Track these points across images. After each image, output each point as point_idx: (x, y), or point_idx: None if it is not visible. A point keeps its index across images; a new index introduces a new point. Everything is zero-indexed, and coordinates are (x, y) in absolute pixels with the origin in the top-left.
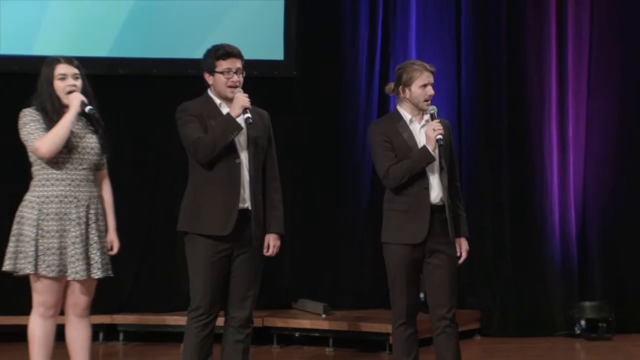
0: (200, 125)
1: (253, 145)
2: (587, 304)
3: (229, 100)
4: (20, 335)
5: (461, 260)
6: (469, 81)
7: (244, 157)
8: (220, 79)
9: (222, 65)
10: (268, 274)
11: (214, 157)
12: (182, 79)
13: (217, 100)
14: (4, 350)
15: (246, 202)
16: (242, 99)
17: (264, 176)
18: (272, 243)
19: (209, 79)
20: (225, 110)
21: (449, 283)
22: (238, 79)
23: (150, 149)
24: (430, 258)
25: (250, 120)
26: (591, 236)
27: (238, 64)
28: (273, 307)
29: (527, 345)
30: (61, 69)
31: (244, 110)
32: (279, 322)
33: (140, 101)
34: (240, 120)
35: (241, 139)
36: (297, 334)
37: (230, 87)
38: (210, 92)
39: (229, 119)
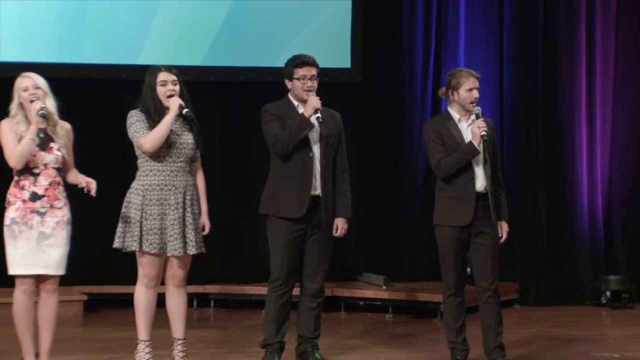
0: (280, 123)
1: (324, 141)
2: (612, 277)
3: (305, 102)
4: (127, 302)
5: (502, 240)
6: (510, 85)
7: (316, 150)
8: (297, 84)
9: (299, 72)
10: (337, 251)
11: (290, 150)
12: (264, 85)
13: (295, 103)
14: (115, 314)
15: (317, 190)
16: (314, 101)
17: (334, 168)
18: (340, 226)
19: (288, 84)
20: (302, 111)
21: (491, 260)
22: (312, 84)
23: (236, 144)
24: (476, 238)
25: (321, 119)
26: (615, 219)
27: (313, 71)
28: (341, 279)
29: (559, 312)
30: (162, 76)
31: (316, 111)
32: (346, 292)
33: (228, 103)
34: (313, 119)
35: (313, 136)
36: (361, 303)
37: (306, 91)
38: (290, 96)
39: (303, 118)
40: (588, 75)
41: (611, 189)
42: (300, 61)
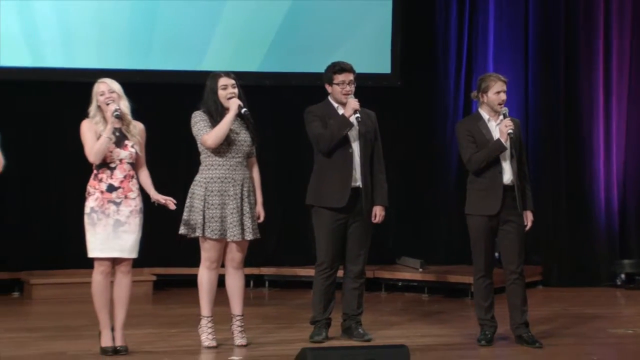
0: (322, 123)
1: (362, 138)
2: (626, 261)
3: (343, 104)
4: (192, 282)
5: (527, 228)
6: (534, 88)
7: (355, 147)
8: (337, 89)
9: (338, 78)
10: (378, 237)
11: (332, 147)
12: (313, 88)
13: (335, 105)
14: (181, 293)
15: (357, 182)
16: (353, 103)
17: (372, 161)
18: (378, 213)
19: (328, 88)
20: (341, 111)
21: (517, 245)
22: (350, 88)
23: (288, 141)
24: (503, 226)
25: (359, 119)
26: (629, 209)
27: (350, 77)
28: (381, 262)
29: (578, 293)
30: (223, 81)
31: (355, 112)
32: (386, 274)
33: (281, 105)
34: (352, 119)
35: (353, 134)
36: (399, 284)
37: (345, 94)
38: (330, 98)
39: (343, 118)
40: (605, 79)
41: (626, 181)
42: (339, 68)
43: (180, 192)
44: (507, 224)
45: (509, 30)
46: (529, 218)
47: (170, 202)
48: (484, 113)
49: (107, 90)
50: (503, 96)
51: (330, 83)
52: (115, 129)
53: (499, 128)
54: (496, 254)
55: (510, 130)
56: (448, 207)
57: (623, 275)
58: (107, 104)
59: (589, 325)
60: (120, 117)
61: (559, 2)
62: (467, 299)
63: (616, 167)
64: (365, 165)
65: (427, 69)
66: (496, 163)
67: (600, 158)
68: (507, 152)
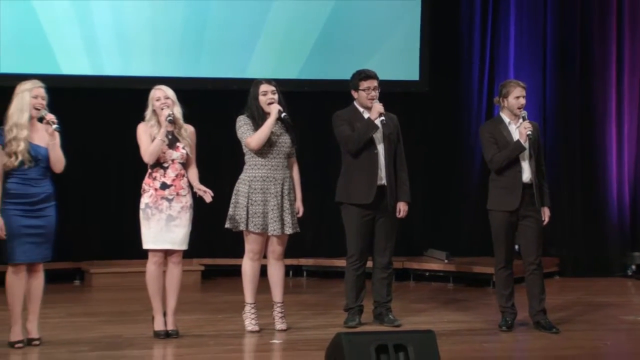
0: (349, 126)
1: (387, 140)
2: (637, 253)
3: (369, 108)
4: (237, 272)
5: (545, 223)
6: (551, 94)
7: (380, 148)
8: (363, 94)
9: (364, 84)
10: (406, 231)
11: (359, 148)
12: (346, 93)
13: (361, 109)
14: (227, 282)
15: (382, 180)
16: (378, 107)
17: (395, 161)
18: (402, 208)
19: (354, 94)
20: (367, 115)
21: (536, 239)
22: (375, 93)
23: (325, 143)
24: (523, 221)
25: (384, 122)
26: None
27: (375, 83)
28: (410, 254)
29: (592, 283)
30: (263, 87)
31: (380, 115)
32: (414, 265)
33: (318, 109)
34: (377, 122)
35: (378, 136)
36: (427, 274)
37: (370, 99)
38: (355, 103)
39: (369, 121)
40: (617, 86)
41: (636, 179)
42: (364, 75)
43: (226, 189)
44: (526, 219)
45: (529, 40)
46: (546, 214)
47: (208, 195)
48: (505, 116)
49: (162, 96)
50: (522, 101)
51: (357, 89)
52: (168, 132)
53: (518, 130)
54: (516, 247)
55: (529, 132)
56: (472, 204)
57: (634, 267)
58: (162, 109)
59: (602, 313)
60: (173, 121)
61: (575, 16)
62: (489, 288)
63: (627, 167)
64: (390, 165)
65: (452, 76)
66: (516, 162)
67: (613, 158)
68: (526, 153)
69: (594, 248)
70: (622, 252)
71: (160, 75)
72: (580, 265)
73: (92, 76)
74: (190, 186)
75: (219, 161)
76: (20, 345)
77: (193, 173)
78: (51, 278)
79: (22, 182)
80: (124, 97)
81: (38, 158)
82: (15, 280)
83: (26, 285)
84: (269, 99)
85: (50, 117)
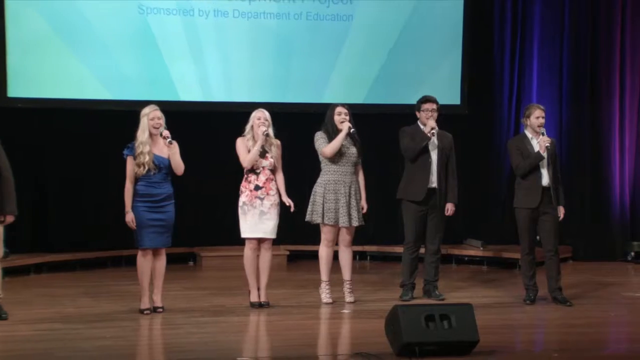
0: (410, 138)
1: (440, 151)
2: (635, 242)
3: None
4: (314, 256)
5: (560, 219)
6: (566, 115)
7: (433, 156)
8: (422, 114)
9: (424, 107)
10: (451, 224)
11: (416, 156)
12: (401, 115)
13: (421, 126)
14: (307, 264)
15: (434, 183)
16: (432, 123)
17: (447, 169)
18: (450, 208)
19: (417, 114)
20: (426, 131)
21: (553, 231)
22: (432, 114)
23: (383, 153)
24: (542, 217)
25: (434, 134)
26: (638, 202)
27: (433, 106)
28: (453, 243)
29: (599, 266)
30: (338, 109)
31: (431, 129)
32: (456, 251)
33: (379, 127)
34: (429, 135)
35: (432, 147)
36: (466, 258)
37: (428, 118)
38: (418, 122)
39: (424, 134)
40: (620, 109)
41: (635, 183)
42: (424, 99)
43: (306, 189)
44: (545, 215)
45: (549, 72)
46: (561, 211)
47: (291, 206)
48: (528, 133)
49: (262, 117)
50: (542, 120)
51: (419, 110)
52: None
53: (538, 143)
54: (537, 237)
55: (547, 144)
56: (502, 202)
57: (633, 253)
58: (259, 127)
59: (607, 290)
60: (267, 136)
61: (586, 53)
62: (515, 270)
63: (627, 173)
64: (441, 172)
65: (487, 101)
66: (537, 169)
67: (616, 166)
68: (545, 161)
69: (600, 238)
70: (623, 241)
71: (255, 100)
72: (589, 252)
73: (203, 102)
74: (278, 189)
75: (301, 168)
76: (147, 312)
77: (280, 178)
78: (171, 260)
79: (148, 185)
80: (226, 119)
81: (160, 166)
82: (144, 261)
83: (152, 265)
84: (342, 118)
85: (166, 133)
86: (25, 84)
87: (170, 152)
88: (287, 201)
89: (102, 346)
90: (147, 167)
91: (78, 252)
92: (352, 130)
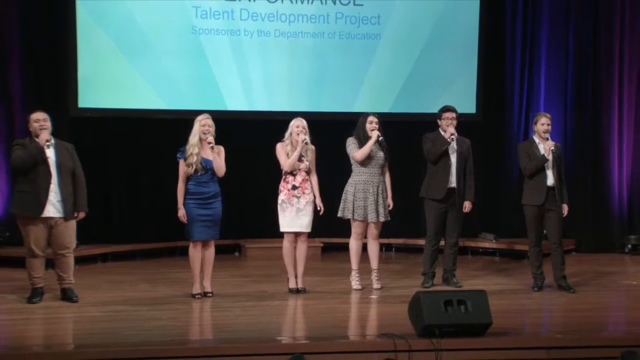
0: (432, 144)
1: (459, 155)
2: (632, 236)
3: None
4: (346, 247)
5: (564, 215)
6: (571, 122)
7: (453, 159)
8: (443, 122)
9: (444, 115)
10: (467, 219)
11: (437, 159)
12: (423, 123)
13: (442, 132)
14: (339, 255)
15: (453, 183)
16: (450, 130)
17: (465, 171)
18: (467, 206)
19: (439, 122)
20: (446, 136)
21: (558, 225)
22: (452, 122)
23: (409, 157)
24: (548, 213)
25: (453, 139)
26: (635, 198)
27: (453, 115)
28: (469, 236)
29: (599, 257)
30: (370, 118)
31: (451, 135)
32: (472, 244)
33: (404, 134)
34: (448, 140)
35: (452, 150)
36: (480, 250)
37: (448, 126)
38: (440, 129)
39: (444, 139)
40: (619, 116)
41: (632, 182)
42: (445, 108)
43: (338, 189)
44: (550, 212)
45: (555, 84)
46: (565, 208)
47: (321, 209)
48: (536, 138)
49: (301, 125)
50: (547, 127)
51: (440, 118)
52: None
53: (544, 147)
54: (544, 231)
55: (552, 148)
56: (512, 200)
57: (630, 246)
58: (298, 134)
59: (607, 279)
60: (306, 144)
61: (588, 65)
62: (524, 261)
63: (625, 174)
64: (460, 173)
65: (500, 110)
66: (542, 170)
67: (615, 167)
68: (550, 163)
69: (600, 232)
70: (621, 235)
71: (293, 110)
72: (591, 244)
73: (248, 111)
74: (312, 189)
75: (334, 170)
76: (198, 296)
77: (314, 180)
78: (219, 250)
79: (197, 184)
80: (268, 126)
81: (207, 168)
82: (194, 252)
83: (202, 255)
84: (372, 126)
85: (210, 139)
86: (93, 96)
87: (213, 155)
88: (319, 205)
89: (159, 326)
90: (195, 167)
91: (138, 244)
92: (380, 138)
